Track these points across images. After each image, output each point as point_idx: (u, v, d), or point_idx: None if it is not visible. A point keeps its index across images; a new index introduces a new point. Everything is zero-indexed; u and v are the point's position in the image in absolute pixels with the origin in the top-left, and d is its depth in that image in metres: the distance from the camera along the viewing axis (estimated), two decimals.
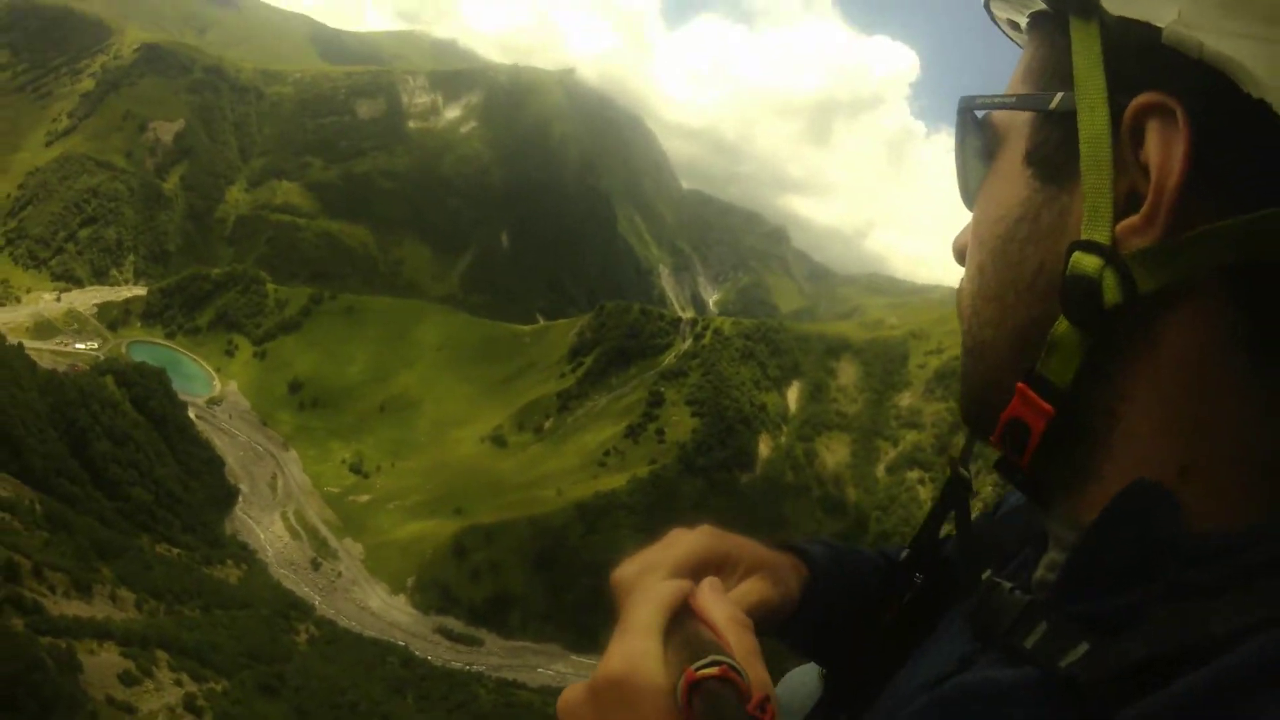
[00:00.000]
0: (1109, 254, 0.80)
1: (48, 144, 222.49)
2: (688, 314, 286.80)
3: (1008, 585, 0.94)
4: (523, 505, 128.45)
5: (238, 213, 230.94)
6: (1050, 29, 0.92)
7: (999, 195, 0.94)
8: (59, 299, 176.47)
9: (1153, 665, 0.69)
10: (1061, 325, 0.83)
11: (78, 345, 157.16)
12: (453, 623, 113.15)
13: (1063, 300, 0.83)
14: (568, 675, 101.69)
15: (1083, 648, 0.75)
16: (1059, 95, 0.87)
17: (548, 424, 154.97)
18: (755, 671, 0.86)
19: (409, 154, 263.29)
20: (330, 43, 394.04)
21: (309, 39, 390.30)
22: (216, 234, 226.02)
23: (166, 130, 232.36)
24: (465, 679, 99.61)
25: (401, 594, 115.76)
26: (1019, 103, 0.93)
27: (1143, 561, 0.76)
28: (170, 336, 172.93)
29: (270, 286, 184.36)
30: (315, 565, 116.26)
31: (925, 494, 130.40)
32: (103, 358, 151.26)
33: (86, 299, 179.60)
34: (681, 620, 0.91)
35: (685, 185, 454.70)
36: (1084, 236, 0.82)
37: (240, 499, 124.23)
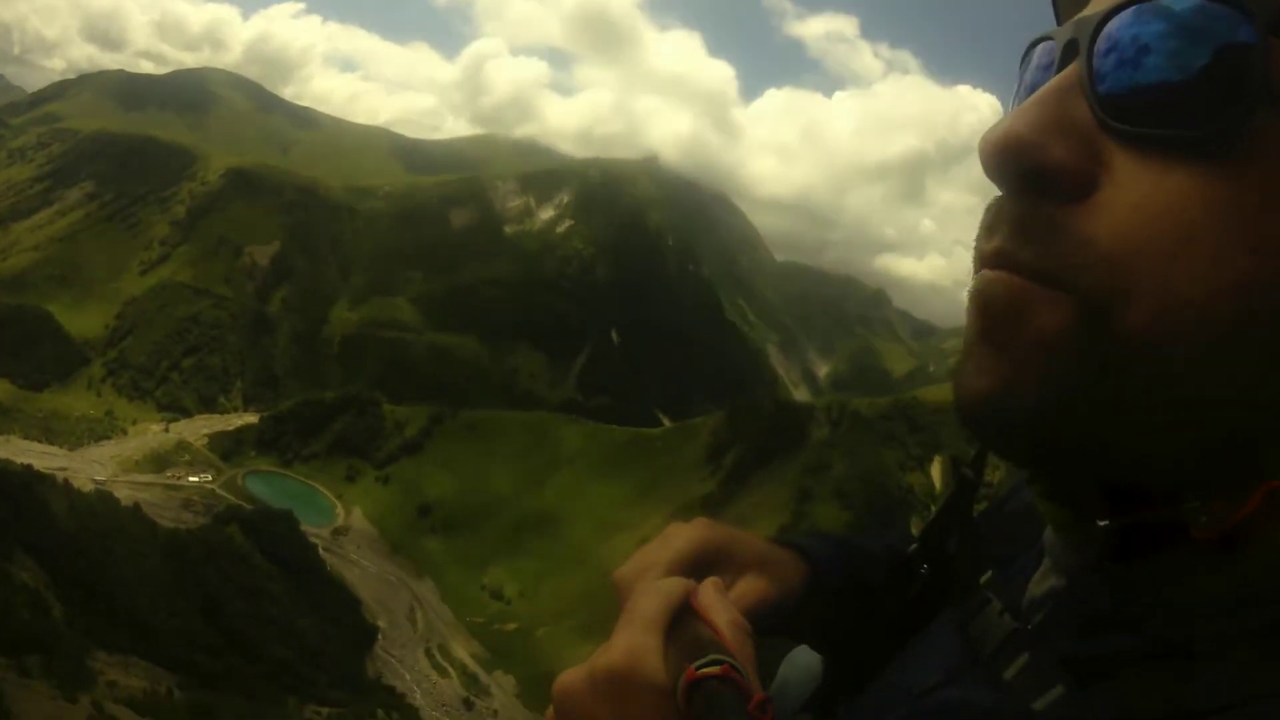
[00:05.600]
0: None
1: (142, 273, 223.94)
2: (799, 390, 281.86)
3: (998, 605, 0.87)
4: None
5: (344, 332, 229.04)
6: None
7: None
8: (167, 429, 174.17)
9: None
10: None
11: (191, 478, 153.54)
12: None
13: None
14: None
15: (1057, 691, 0.71)
16: None
17: None
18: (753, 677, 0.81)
19: (509, 259, 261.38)
20: (414, 154, 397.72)
21: (392, 152, 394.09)
22: (325, 355, 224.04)
23: (263, 254, 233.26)
24: None
25: None
26: None
27: (1131, 610, 0.70)
28: (287, 464, 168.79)
29: (387, 408, 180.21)
30: (468, 705, 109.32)
31: None
32: (218, 489, 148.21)
33: (196, 429, 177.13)
34: (684, 619, 0.88)
35: (779, 258, 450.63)
36: None
37: (380, 637, 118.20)
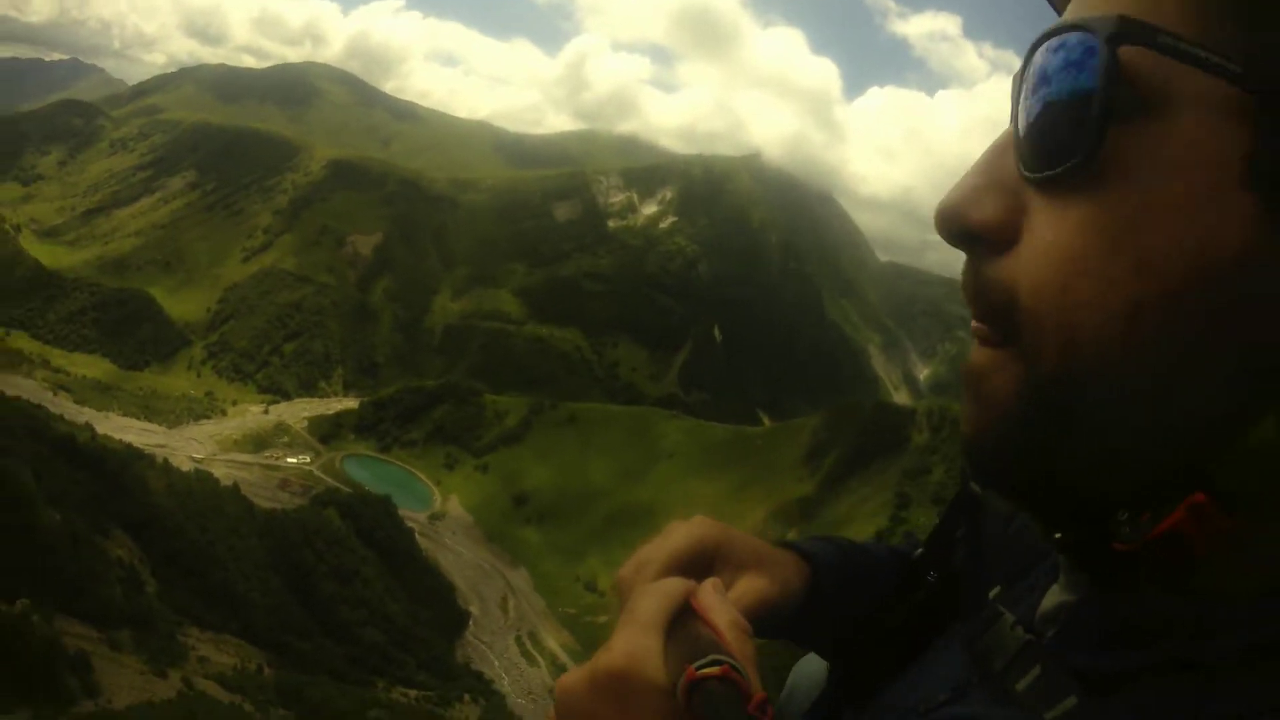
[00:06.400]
0: None
1: (244, 260, 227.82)
2: (900, 393, 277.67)
3: (1010, 619, 0.87)
4: None
5: (445, 322, 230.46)
6: None
7: (1187, 207, 0.62)
8: (267, 411, 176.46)
9: None
10: (1270, 429, 0.62)
11: (289, 459, 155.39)
12: None
13: None
14: None
15: (1070, 702, 0.72)
16: None
17: (790, 534, 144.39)
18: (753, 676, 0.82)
19: (612, 254, 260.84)
20: (515, 148, 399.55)
21: (493, 146, 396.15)
22: (426, 344, 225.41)
23: (365, 243, 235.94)
24: None
25: None
26: (1248, 77, 0.60)
27: (1147, 624, 0.70)
28: (385, 450, 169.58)
29: (488, 398, 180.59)
30: (554, 694, 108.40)
31: None
32: (316, 471, 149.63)
33: (295, 411, 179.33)
34: (683, 619, 0.89)
35: (881, 258, 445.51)
36: None
37: (471, 623, 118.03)
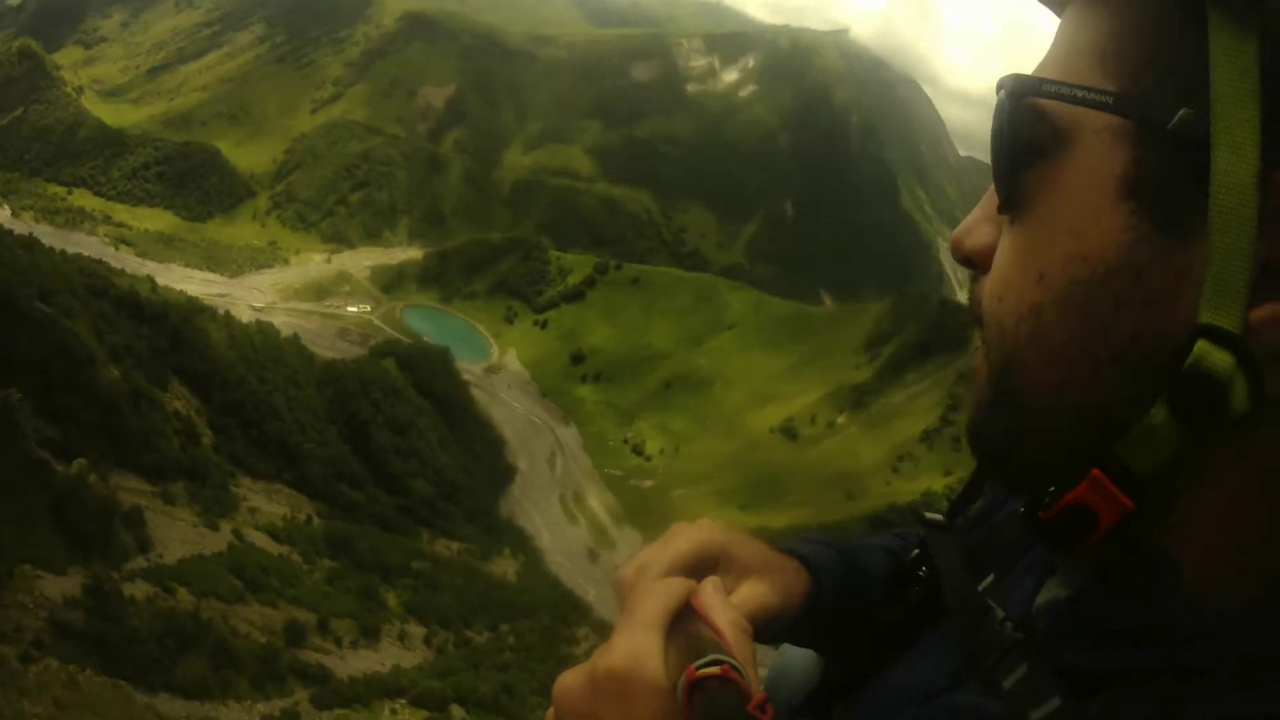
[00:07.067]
0: (1242, 350, 0.67)
1: (313, 112, 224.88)
2: (963, 292, 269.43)
3: (1000, 614, 0.91)
4: (812, 509, 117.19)
5: (515, 176, 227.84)
6: (1157, 5, 0.72)
7: (1075, 225, 0.75)
8: (329, 260, 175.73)
9: None
10: (1159, 415, 0.71)
11: (350, 308, 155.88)
12: None
13: (1175, 396, 0.70)
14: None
15: (1054, 703, 0.75)
16: (1181, 112, 0.68)
17: (840, 419, 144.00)
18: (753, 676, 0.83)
19: (689, 118, 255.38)
20: (596, 5, 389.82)
21: (574, 3, 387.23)
22: (494, 197, 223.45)
23: (438, 96, 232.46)
24: None
25: None
26: (1116, 105, 0.72)
27: (1134, 628, 0.75)
28: (446, 301, 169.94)
29: (553, 253, 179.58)
30: (592, 556, 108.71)
31: None
32: (376, 320, 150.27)
33: (359, 261, 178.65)
34: (684, 619, 0.88)
35: (962, 152, 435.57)
36: (1207, 318, 0.68)
37: (518, 478, 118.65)
